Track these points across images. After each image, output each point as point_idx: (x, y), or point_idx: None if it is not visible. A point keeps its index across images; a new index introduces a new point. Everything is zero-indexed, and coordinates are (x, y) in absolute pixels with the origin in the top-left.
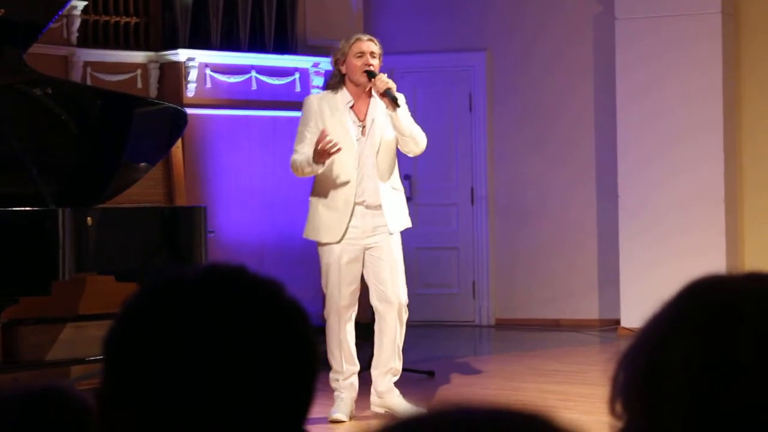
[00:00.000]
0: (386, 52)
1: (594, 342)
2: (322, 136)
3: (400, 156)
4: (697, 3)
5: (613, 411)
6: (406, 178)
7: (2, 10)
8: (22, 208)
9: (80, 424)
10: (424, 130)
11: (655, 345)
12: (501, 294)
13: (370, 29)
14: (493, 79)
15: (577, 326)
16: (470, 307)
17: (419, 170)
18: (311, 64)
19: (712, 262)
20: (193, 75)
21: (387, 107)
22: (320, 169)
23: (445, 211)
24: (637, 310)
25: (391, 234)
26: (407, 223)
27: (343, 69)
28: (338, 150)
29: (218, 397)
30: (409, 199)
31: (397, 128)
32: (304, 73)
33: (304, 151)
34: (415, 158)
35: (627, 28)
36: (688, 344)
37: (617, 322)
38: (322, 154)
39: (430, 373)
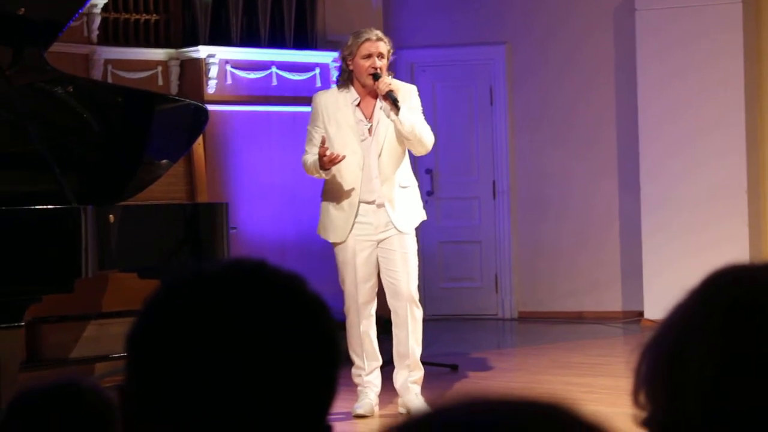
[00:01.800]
0: (406, 47)
1: (617, 334)
2: (322, 149)
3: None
4: None
5: (636, 401)
6: (427, 172)
7: (22, 9)
8: (45, 206)
9: (101, 419)
10: (444, 125)
11: (677, 336)
12: (524, 287)
13: (389, 24)
14: (513, 72)
15: (601, 318)
16: (493, 300)
17: (441, 164)
18: (331, 59)
19: (735, 253)
20: (213, 71)
21: (390, 110)
22: (328, 175)
23: (467, 204)
24: (660, 301)
25: (401, 232)
26: (420, 218)
27: (351, 66)
28: (341, 159)
29: (240, 392)
30: (430, 193)
31: (399, 132)
32: (325, 69)
33: (313, 152)
34: (437, 152)
35: (647, 19)
36: (709, 335)
37: (640, 314)
38: (326, 163)
39: (454, 367)
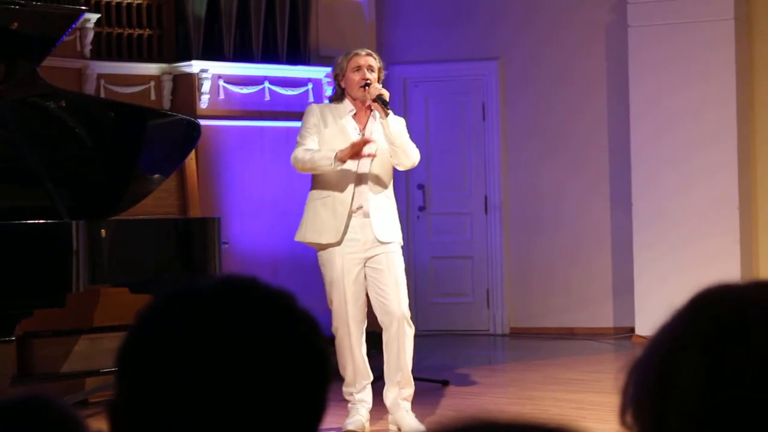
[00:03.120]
0: (398, 62)
1: (609, 350)
2: (362, 140)
3: (414, 167)
4: (709, 10)
5: (623, 421)
6: (419, 187)
7: (15, 24)
8: (37, 221)
9: None
10: (437, 140)
11: (663, 356)
12: (515, 303)
13: (382, 40)
14: (505, 87)
15: (592, 335)
16: (484, 315)
17: (433, 180)
18: (324, 74)
19: (727, 270)
20: (206, 86)
21: (380, 115)
22: (339, 167)
23: (459, 220)
24: (651, 318)
25: (385, 244)
26: (398, 237)
27: (343, 84)
28: (370, 155)
29: (230, 408)
30: (422, 208)
31: (387, 136)
32: (317, 84)
33: (308, 147)
34: (429, 168)
35: (640, 35)
36: (696, 355)
37: (632, 330)
38: (356, 152)
39: (445, 382)
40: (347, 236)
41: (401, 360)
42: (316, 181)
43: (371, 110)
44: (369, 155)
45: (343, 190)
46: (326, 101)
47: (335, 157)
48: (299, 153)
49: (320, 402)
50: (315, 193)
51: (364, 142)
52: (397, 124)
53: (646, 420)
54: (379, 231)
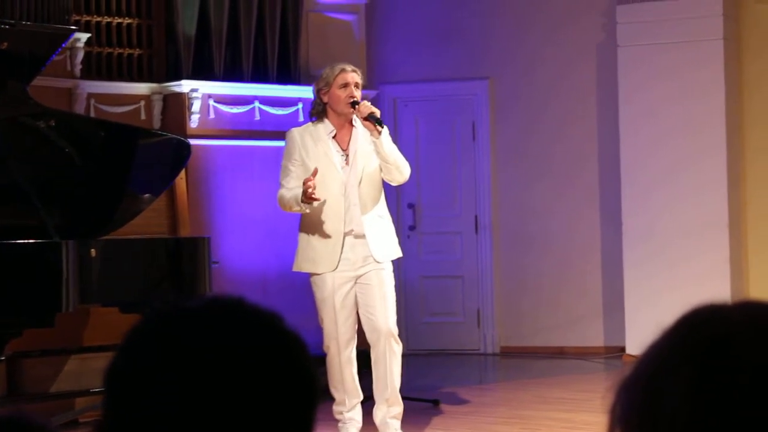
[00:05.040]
0: (388, 82)
1: (599, 369)
2: (308, 181)
3: (404, 185)
4: (698, 29)
5: None
6: (409, 206)
7: (5, 43)
8: (26, 241)
9: None
10: (427, 159)
11: (650, 376)
12: (506, 322)
13: (372, 59)
14: (495, 107)
15: (583, 354)
16: (475, 335)
17: (423, 199)
18: None
19: (717, 288)
20: (196, 106)
21: (371, 133)
22: (307, 210)
23: (449, 239)
24: (642, 336)
25: (378, 263)
26: (396, 253)
27: (326, 99)
28: (320, 201)
29: (218, 428)
30: (412, 227)
31: (380, 155)
32: (308, 103)
33: (290, 187)
34: (419, 187)
35: (629, 54)
36: (682, 376)
37: (622, 349)
38: (308, 196)
39: (435, 402)
40: (341, 256)
41: (389, 376)
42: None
43: (353, 126)
44: (322, 202)
45: (333, 217)
46: (308, 120)
47: (301, 200)
48: (281, 194)
49: (308, 421)
50: (306, 221)
51: (310, 183)
52: (389, 142)
53: None
54: (376, 252)
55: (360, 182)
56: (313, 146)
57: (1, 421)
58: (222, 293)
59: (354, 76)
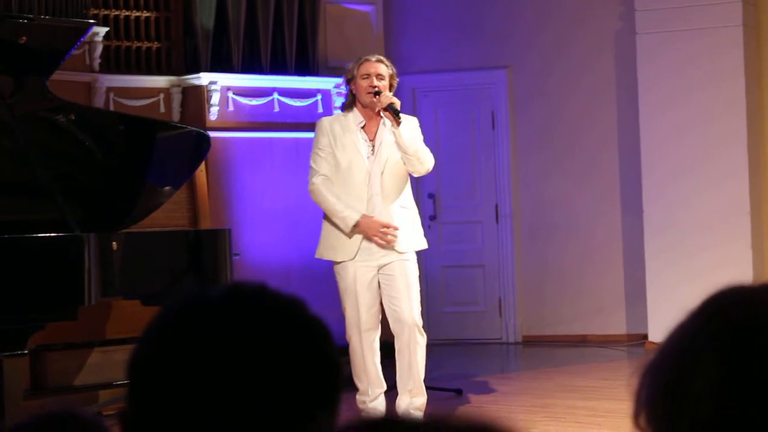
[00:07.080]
0: (407, 72)
1: (622, 357)
2: (388, 229)
3: (425, 176)
4: (717, 16)
5: (637, 424)
6: (429, 197)
7: (24, 38)
8: (48, 234)
9: None
10: (447, 149)
11: (676, 359)
12: (527, 311)
13: (390, 50)
14: (515, 96)
15: (605, 342)
16: (497, 324)
17: (443, 189)
18: (333, 85)
19: (739, 275)
20: (215, 98)
21: (391, 124)
22: (345, 227)
23: (470, 229)
24: (664, 324)
25: (400, 253)
26: (421, 244)
27: (354, 89)
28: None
29: (241, 416)
30: (433, 217)
31: (399, 145)
32: (326, 95)
33: (325, 173)
34: (439, 177)
35: (648, 42)
36: (709, 359)
37: (645, 336)
38: (373, 234)
39: (458, 391)
40: (360, 246)
41: (413, 368)
42: None
43: (381, 117)
44: (382, 243)
45: (355, 205)
46: (337, 111)
47: (353, 225)
48: (323, 193)
49: (332, 410)
50: None
51: (386, 233)
52: (408, 132)
53: (659, 423)
54: (399, 243)
55: (383, 172)
56: (342, 135)
57: (53, 416)
58: (243, 280)
59: (378, 67)
